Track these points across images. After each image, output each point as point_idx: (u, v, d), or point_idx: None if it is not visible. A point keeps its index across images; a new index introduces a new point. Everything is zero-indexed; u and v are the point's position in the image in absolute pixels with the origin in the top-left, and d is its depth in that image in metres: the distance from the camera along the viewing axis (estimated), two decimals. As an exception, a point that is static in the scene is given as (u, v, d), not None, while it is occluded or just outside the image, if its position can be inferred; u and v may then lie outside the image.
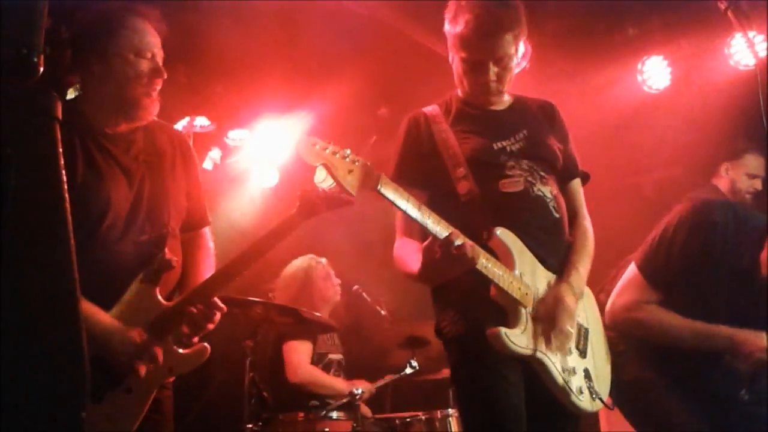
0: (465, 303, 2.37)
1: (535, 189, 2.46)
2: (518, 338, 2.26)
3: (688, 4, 4.50)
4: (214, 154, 5.56)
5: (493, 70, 2.50)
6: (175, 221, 2.57)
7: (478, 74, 2.51)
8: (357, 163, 2.06)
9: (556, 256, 2.48)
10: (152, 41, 2.50)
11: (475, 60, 2.50)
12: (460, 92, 2.65)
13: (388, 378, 4.43)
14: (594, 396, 2.42)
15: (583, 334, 2.49)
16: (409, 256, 2.39)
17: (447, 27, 2.56)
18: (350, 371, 4.67)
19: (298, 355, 4.38)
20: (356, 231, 5.45)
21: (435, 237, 2.16)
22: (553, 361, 2.33)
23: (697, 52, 4.68)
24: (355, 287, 5.04)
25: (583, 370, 2.44)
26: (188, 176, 2.66)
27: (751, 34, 2.67)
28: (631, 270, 3.13)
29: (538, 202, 2.46)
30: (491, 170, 2.45)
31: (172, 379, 2.55)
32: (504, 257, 2.32)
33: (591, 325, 2.55)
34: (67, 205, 1.15)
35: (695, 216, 3.12)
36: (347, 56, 4.66)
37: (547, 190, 2.49)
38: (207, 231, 2.75)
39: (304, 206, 2.41)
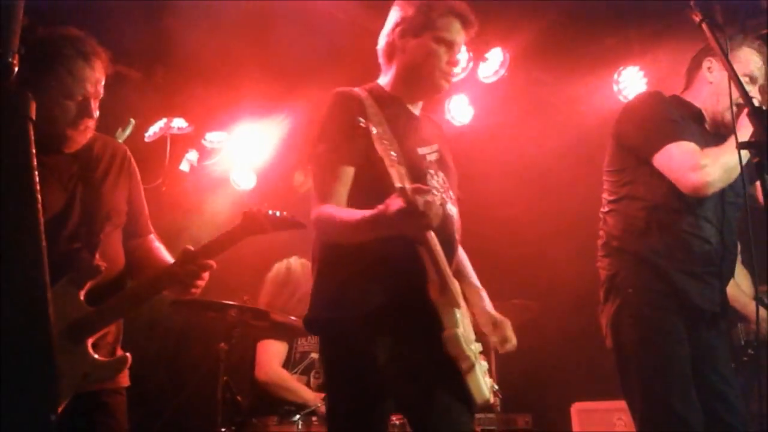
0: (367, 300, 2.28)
1: (448, 207, 2.44)
2: (466, 339, 2.26)
3: (665, 16, 4.55)
4: (192, 155, 5.53)
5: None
6: (112, 226, 2.63)
7: (450, 55, 2.51)
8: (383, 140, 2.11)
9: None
10: (88, 84, 2.51)
11: (452, 41, 2.50)
12: (392, 83, 2.58)
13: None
14: (493, 393, 2.42)
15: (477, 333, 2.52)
16: (348, 211, 2.26)
17: (418, 9, 2.53)
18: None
19: (268, 354, 4.38)
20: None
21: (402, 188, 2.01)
22: (478, 361, 2.34)
23: (673, 63, 4.73)
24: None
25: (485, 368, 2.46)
26: (129, 185, 2.73)
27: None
28: (660, 159, 2.92)
29: (449, 221, 2.44)
30: (417, 175, 2.35)
31: (125, 384, 2.60)
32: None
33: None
34: (40, 206, 1.15)
35: (641, 96, 3.11)
36: (325, 59, 4.66)
37: (455, 211, 2.50)
38: (153, 236, 2.83)
39: (246, 224, 2.59)
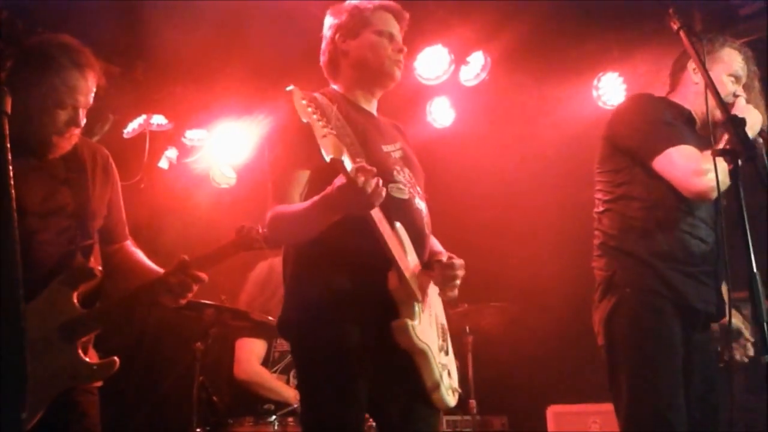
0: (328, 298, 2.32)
1: (416, 202, 2.49)
2: (420, 331, 2.29)
3: (645, 23, 4.59)
4: (171, 153, 5.49)
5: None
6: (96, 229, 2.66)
7: (393, 44, 2.60)
8: (329, 132, 2.03)
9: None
10: (80, 94, 2.52)
11: (391, 32, 2.61)
12: (344, 86, 2.64)
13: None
14: (454, 392, 2.48)
15: (445, 332, 2.56)
16: (299, 204, 2.31)
17: (350, 12, 2.63)
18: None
19: (247, 352, 4.36)
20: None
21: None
22: (435, 355, 2.36)
23: (652, 70, 4.79)
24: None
25: (449, 367, 2.49)
26: (110, 189, 2.74)
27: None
28: (661, 163, 2.92)
29: (418, 215, 2.49)
30: (381, 173, 2.25)
31: (97, 384, 2.59)
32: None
33: (446, 324, 2.62)
34: (13, 202, 1.13)
35: (633, 98, 3.17)
36: (305, 58, 4.65)
37: (424, 206, 2.54)
38: (130, 242, 2.84)
39: (240, 240, 2.60)
